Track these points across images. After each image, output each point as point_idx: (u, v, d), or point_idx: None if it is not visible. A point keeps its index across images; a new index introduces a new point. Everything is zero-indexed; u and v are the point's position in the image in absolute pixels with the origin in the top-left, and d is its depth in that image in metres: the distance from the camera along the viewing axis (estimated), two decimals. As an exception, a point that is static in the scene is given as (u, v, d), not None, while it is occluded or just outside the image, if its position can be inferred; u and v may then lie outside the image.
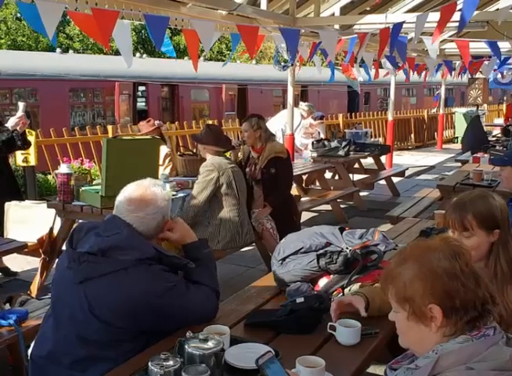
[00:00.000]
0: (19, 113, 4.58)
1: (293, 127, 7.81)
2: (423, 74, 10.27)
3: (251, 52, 5.22)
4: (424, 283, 1.37)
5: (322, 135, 9.00)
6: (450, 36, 9.34)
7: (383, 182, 8.82)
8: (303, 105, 8.79)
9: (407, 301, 1.40)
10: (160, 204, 2.11)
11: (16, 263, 5.02)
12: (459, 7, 5.18)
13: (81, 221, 4.06)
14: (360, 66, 8.91)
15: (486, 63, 9.40)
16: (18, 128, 4.54)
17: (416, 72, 9.73)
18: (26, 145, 4.79)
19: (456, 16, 5.13)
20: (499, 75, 12.97)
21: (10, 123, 4.55)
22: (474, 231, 2.12)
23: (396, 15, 7.50)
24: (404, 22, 5.60)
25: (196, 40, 4.62)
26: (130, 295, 1.93)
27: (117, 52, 24.75)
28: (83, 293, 1.96)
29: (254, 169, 4.82)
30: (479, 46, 7.17)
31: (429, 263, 1.39)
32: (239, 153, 5.26)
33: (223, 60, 22.95)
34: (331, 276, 2.51)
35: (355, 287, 2.43)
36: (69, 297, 2.01)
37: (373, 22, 7.10)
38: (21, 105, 4.64)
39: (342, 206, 7.64)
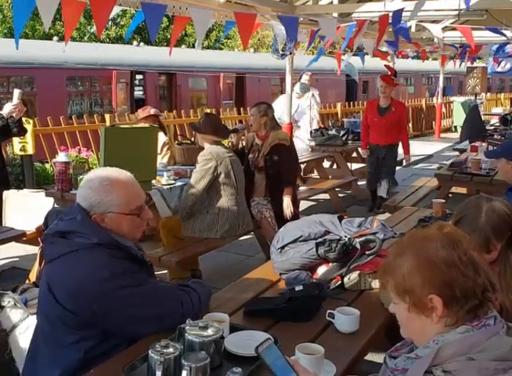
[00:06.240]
0: (15, 100, 4.54)
1: (291, 114, 7.79)
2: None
3: (245, 41, 5.14)
4: (423, 273, 1.36)
5: (317, 97, 8.83)
6: (452, 23, 9.29)
7: (381, 171, 8.81)
8: (296, 87, 8.69)
9: (407, 293, 1.39)
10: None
11: (15, 252, 5.03)
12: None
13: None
14: (356, 54, 8.85)
15: (484, 46, 9.44)
16: (14, 115, 4.51)
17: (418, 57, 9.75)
18: (22, 132, 4.76)
19: (455, 4, 5.11)
20: (499, 65, 12.90)
21: (5, 110, 4.52)
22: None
23: (395, 3, 7.44)
24: (403, 9, 5.57)
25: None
26: (77, 277, 1.91)
27: (113, 41, 24.53)
28: (47, 273, 2.04)
29: (256, 156, 4.82)
30: (479, 35, 7.14)
31: (426, 253, 1.38)
32: (243, 140, 5.23)
33: (221, 49, 22.79)
34: (330, 264, 2.52)
35: (354, 275, 2.44)
36: (43, 276, 2.10)
37: (372, 10, 7.05)
38: (16, 92, 4.59)
39: (340, 195, 7.64)
